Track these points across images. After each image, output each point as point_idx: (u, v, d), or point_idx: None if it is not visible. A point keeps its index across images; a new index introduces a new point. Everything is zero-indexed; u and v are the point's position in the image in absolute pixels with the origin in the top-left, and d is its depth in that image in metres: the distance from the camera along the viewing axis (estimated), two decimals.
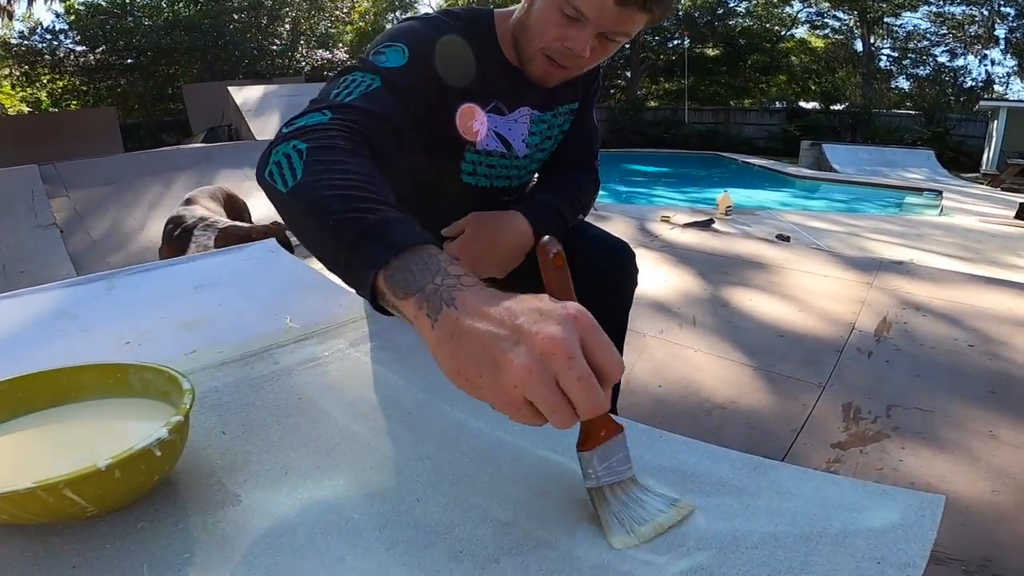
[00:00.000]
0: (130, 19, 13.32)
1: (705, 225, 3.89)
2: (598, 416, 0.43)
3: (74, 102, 13.67)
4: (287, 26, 14.20)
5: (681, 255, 2.94)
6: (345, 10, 15.71)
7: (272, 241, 1.09)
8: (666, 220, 3.87)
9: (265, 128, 5.03)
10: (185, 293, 0.89)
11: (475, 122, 0.89)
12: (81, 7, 13.38)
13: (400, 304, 0.46)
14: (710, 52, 17.51)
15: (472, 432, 0.60)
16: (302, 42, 14.74)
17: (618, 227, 3.63)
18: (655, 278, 2.54)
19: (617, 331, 0.99)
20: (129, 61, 13.51)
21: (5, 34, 13.47)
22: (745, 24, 17.06)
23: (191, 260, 1.01)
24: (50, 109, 13.08)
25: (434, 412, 0.63)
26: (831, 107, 15.79)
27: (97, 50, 13.34)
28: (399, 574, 0.42)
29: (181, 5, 13.55)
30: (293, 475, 0.53)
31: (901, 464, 1.32)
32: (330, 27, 14.76)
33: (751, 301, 2.31)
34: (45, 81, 13.81)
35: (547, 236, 0.52)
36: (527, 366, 0.39)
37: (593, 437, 0.48)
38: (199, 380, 0.65)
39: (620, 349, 0.99)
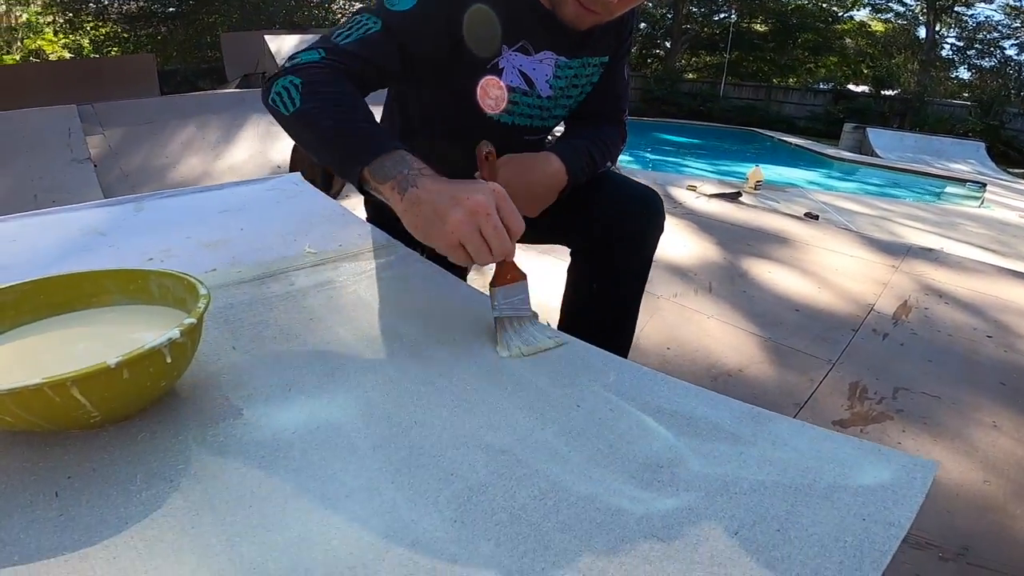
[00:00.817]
0: None
1: (732, 197, 3.82)
2: (507, 262, 0.64)
3: (115, 49, 13.73)
4: None
5: (703, 223, 2.91)
6: None
7: (297, 175, 1.11)
8: (692, 189, 3.81)
9: None
10: (210, 217, 0.92)
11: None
12: None
13: (379, 187, 0.65)
14: (758, 28, 16.89)
15: (475, 360, 0.61)
16: None
17: None
18: (675, 243, 2.53)
19: (639, 276, 1.00)
20: (171, 9, 13.52)
21: None
22: (799, 2, 16.34)
23: (219, 188, 1.04)
24: (91, 56, 13.20)
25: (439, 341, 0.64)
26: (882, 92, 15.14)
27: None
28: (389, 491, 0.44)
29: None
30: (296, 392, 0.54)
31: (898, 446, 1.32)
32: None
33: (770, 274, 2.29)
34: (88, 28, 13.90)
35: (483, 140, 0.73)
36: (461, 219, 0.58)
37: (501, 278, 0.65)
38: (216, 296, 0.68)
39: (640, 294, 1.01)
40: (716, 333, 1.80)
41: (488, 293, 0.66)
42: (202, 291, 0.53)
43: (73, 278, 0.57)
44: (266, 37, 5.96)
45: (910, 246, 2.76)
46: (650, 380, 0.60)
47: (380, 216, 1.00)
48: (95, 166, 2.74)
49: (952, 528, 1.08)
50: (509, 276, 0.65)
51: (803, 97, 15.17)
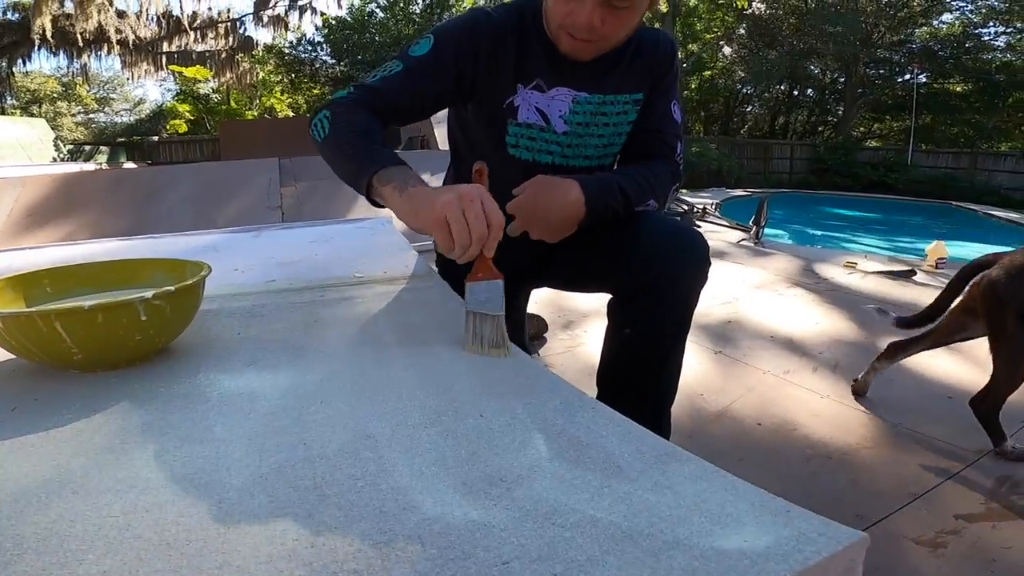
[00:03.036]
0: (367, 35, 15.18)
1: (903, 276, 3.38)
2: (484, 260, 0.69)
3: None
4: None
5: (849, 300, 2.61)
6: None
7: (387, 219, 1.28)
8: (851, 266, 3.43)
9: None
10: (301, 244, 1.11)
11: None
12: (333, 21, 15.47)
13: (382, 189, 0.76)
14: (954, 88, 15.12)
15: (423, 359, 0.67)
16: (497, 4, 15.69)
17: (775, 263, 3.34)
18: (799, 319, 2.31)
19: (675, 323, 0.93)
20: (363, 75, 15.54)
21: (280, 44, 16.40)
22: (1005, 59, 14.43)
23: (320, 224, 1.23)
24: (307, 115, 15.68)
25: (401, 345, 0.70)
26: None
27: (342, 62, 15.29)
28: (322, 435, 0.51)
29: (403, 24, 15.23)
30: (253, 368, 0.64)
31: None
32: None
33: (925, 357, 1.98)
34: (304, 89, 16.44)
35: (480, 161, 0.83)
36: (449, 199, 0.66)
37: (475, 275, 0.70)
38: (263, 300, 0.82)
39: (677, 342, 0.95)
40: (826, 413, 1.60)
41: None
42: (202, 272, 0.65)
43: (130, 263, 0.74)
44: None
45: None
46: (578, 406, 0.58)
47: (447, 268, 1.06)
48: (283, 213, 3.24)
49: None
50: (481, 274, 0.70)
51: (1019, 164, 12.96)
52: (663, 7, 15.19)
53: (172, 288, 0.59)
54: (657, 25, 15.66)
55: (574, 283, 1.11)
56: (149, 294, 0.57)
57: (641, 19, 0.93)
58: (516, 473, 0.47)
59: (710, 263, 0.92)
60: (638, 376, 0.96)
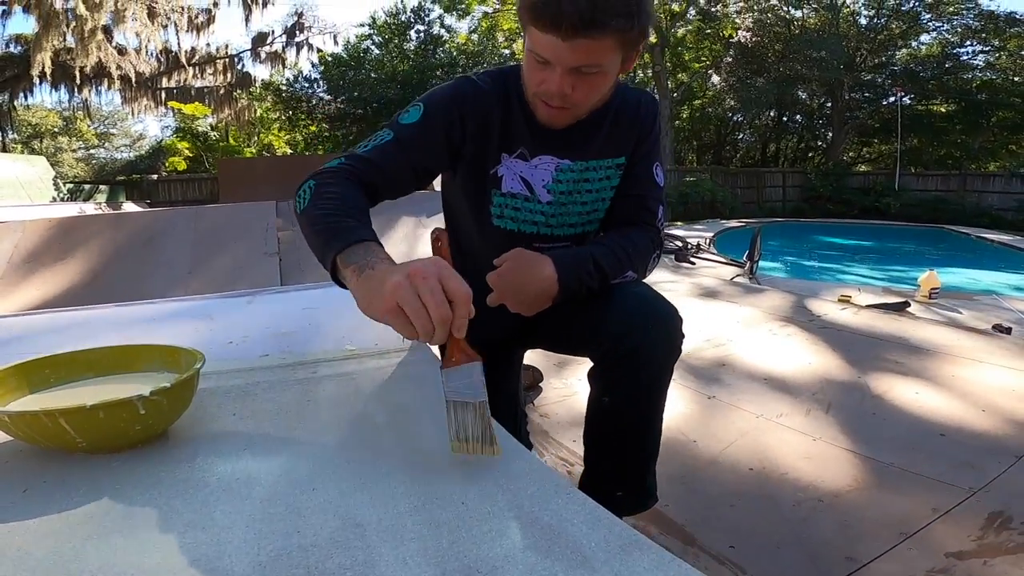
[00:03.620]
0: (362, 72, 15.17)
1: (898, 308, 3.41)
2: (455, 343, 0.63)
3: (320, 147, 16.23)
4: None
5: (843, 338, 2.63)
6: None
7: None
8: (845, 300, 3.47)
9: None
10: (294, 312, 1.13)
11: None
12: (329, 58, 15.56)
13: (344, 271, 0.70)
14: (939, 108, 15.36)
15: (411, 445, 0.70)
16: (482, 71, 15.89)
17: (768, 300, 3.37)
18: (792, 359, 2.33)
19: (648, 394, 0.93)
20: (359, 111, 15.01)
21: (277, 80, 16.60)
22: (985, 78, 14.64)
23: (312, 288, 1.25)
24: (304, 152, 15.82)
25: (392, 428, 0.73)
26: None
27: (338, 99, 15.21)
28: (315, 523, 0.54)
29: (398, 60, 15.38)
30: (248, 452, 0.66)
31: None
32: None
33: (916, 395, 2.00)
34: (301, 126, 16.57)
35: (437, 228, 0.82)
36: (399, 281, 0.59)
37: (447, 360, 0.64)
38: (256, 377, 0.84)
39: (652, 413, 0.95)
40: (818, 456, 1.61)
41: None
42: (196, 365, 0.68)
43: (125, 349, 0.77)
44: None
45: None
46: (553, 493, 0.61)
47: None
48: (280, 259, 3.27)
49: None
50: (455, 358, 0.63)
51: (1008, 184, 13.05)
52: (652, 39, 15.55)
53: (168, 384, 0.63)
54: (647, 57, 16.01)
55: (559, 347, 1.13)
56: (147, 391, 0.61)
57: (615, 81, 0.93)
58: (491, 564, 0.50)
59: (683, 336, 0.93)
60: (619, 439, 0.98)
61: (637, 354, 0.89)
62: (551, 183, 0.99)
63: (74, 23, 12.34)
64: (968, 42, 14.45)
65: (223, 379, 0.82)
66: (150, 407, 0.62)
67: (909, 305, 3.49)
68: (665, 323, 0.91)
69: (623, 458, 0.99)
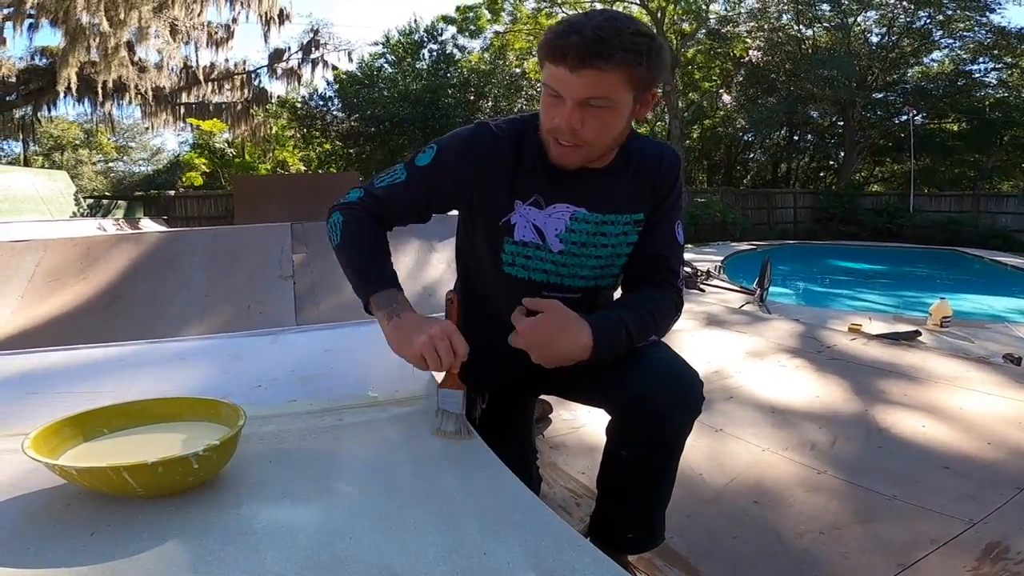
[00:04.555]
0: (376, 90, 15.17)
1: (908, 337, 3.42)
2: (451, 376, 0.90)
3: (332, 166, 16.27)
4: (489, 103, 15.55)
5: (851, 369, 2.65)
6: (538, 90, 16.78)
7: None
8: (855, 329, 3.47)
9: None
10: (318, 354, 1.19)
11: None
12: (344, 76, 15.70)
13: (376, 312, 0.93)
14: (951, 127, 15.26)
15: (429, 487, 0.77)
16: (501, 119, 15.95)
17: (778, 331, 3.39)
18: (799, 391, 2.35)
19: (665, 454, 0.98)
20: (372, 129, 14.94)
21: (292, 98, 16.74)
22: (998, 96, 14.49)
23: (332, 328, 1.31)
24: (318, 171, 15.97)
25: (417, 476, 0.79)
26: None
27: (352, 117, 15.16)
28: (355, 572, 0.60)
29: (411, 79, 15.38)
30: (288, 500, 0.72)
31: None
32: (525, 105, 15.91)
33: (923, 428, 2.02)
34: (315, 143, 16.64)
35: (451, 291, 1.01)
36: (424, 340, 0.87)
37: (443, 383, 0.91)
38: (286, 424, 0.91)
39: (667, 470, 1.00)
40: (821, 489, 1.64)
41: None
42: (240, 422, 0.75)
43: (171, 401, 0.85)
44: None
45: None
46: (567, 545, 0.66)
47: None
48: (295, 282, 3.35)
49: None
50: (447, 384, 0.91)
51: (1022, 204, 12.80)
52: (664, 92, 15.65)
53: (218, 442, 0.70)
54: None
55: (572, 397, 1.17)
56: (201, 449, 0.68)
57: (627, 123, 0.94)
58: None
59: (703, 399, 0.96)
60: (633, 490, 1.02)
61: (657, 416, 0.93)
62: (564, 232, 0.99)
63: (98, 39, 12.67)
64: (980, 59, 14.39)
65: (256, 424, 0.87)
66: (202, 462, 0.69)
67: (920, 334, 3.49)
68: (685, 388, 0.94)
69: (635, 506, 1.04)
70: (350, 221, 1.00)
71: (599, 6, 16.08)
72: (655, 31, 0.93)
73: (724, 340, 3.21)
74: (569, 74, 0.85)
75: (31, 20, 12.69)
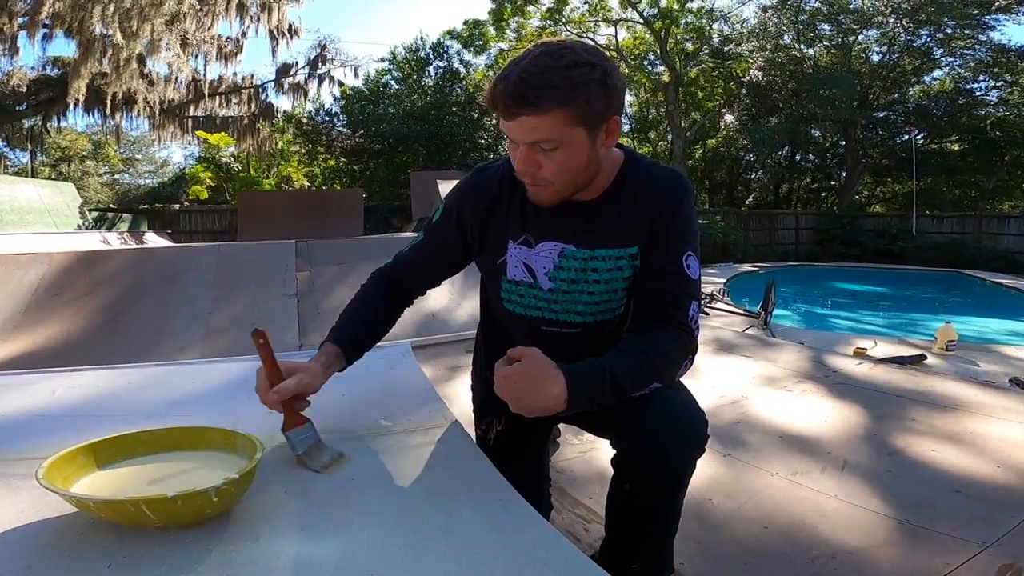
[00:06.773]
0: (381, 106, 15.34)
1: (914, 361, 3.41)
2: (289, 415, 0.88)
3: (336, 182, 16.11)
4: (493, 120, 15.62)
5: (859, 394, 2.64)
6: None
7: (406, 344, 1.38)
8: (861, 353, 3.46)
9: None
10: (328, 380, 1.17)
11: None
12: (350, 91, 15.77)
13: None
14: (952, 147, 15.29)
15: (434, 519, 0.75)
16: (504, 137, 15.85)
17: (784, 355, 3.37)
18: (807, 415, 2.33)
19: (669, 490, 0.97)
20: (377, 146, 15.12)
21: (299, 113, 16.71)
22: (999, 114, 14.49)
23: None
24: (321, 187, 16.00)
25: (434, 506, 0.78)
26: None
27: (356, 134, 15.36)
28: None
29: (416, 96, 15.53)
30: (305, 533, 0.71)
31: None
32: None
33: (933, 452, 2.00)
34: (320, 159, 16.57)
35: (256, 329, 0.90)
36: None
37: (285, 427, 0.88)
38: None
39: (671, 505, 0.99)
40: (833, 513, 1.62)
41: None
42: (257, 455, 0.75)
43: (188, 430, 0.84)
44: (438, 180, 6.69)
45: None
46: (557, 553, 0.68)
47: (483, 390, 1.17)
48: (298, 301, 3.34)
49: None
50: (292, 422, 0.88)
51: (1022, 226, 12.97)
52: (665, 77, 15.82)
53: (237, 475, 0.69)
54: (660, 96, 16.22)
55: (584, 426, 1.18)
56: (221, 482, 0.67)
57: (591, 157, 0.88)
58: None
59: (707, 438, 0.95)
60: (638, 522, 1.01)
61: (662, 454, 0.91)
62: (553, 270, 0.98)
63: (110, 51, 12.79)
64: (980, 76, 14.44)
65: (268, 453, 0.86)
66: (221, 495, 0.68)
67: (926, 358, 3.48)
68: (692, 429, 0.94)
69: (640, 537, 1.03)
70: (367, 282, 1.11)
71: (602, 24, 16.28)
72: (601, 53, 0.86)
73: (731, 366, 3.20)
74: (506, 123, 0.85)
75: (45, 30, 12.80)
